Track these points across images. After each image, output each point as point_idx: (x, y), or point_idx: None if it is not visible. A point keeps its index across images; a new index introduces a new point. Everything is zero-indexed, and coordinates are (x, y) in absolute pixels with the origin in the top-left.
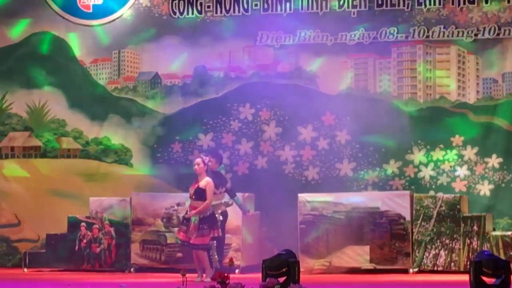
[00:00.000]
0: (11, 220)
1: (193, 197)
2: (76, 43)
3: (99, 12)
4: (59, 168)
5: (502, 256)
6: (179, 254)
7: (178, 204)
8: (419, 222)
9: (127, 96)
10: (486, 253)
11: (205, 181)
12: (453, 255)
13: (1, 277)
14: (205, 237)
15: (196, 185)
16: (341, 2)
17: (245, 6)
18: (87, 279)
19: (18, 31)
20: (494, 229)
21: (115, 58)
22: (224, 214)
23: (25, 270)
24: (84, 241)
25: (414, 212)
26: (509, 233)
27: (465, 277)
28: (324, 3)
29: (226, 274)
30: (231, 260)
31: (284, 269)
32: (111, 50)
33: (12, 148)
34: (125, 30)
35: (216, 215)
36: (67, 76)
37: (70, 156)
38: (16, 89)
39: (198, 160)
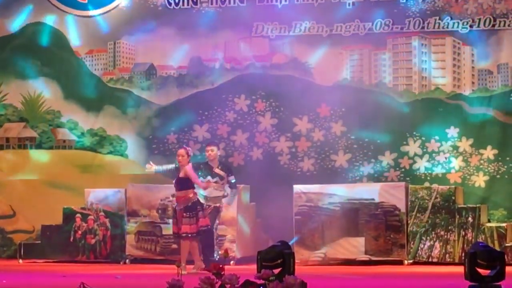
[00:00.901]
0: (6, 211)
1: (177, 188)
2: (71, 34)
3: (94, 2)
4: (54, 159)
5: (497, 248)
6: (174, 246)
7: (173, 195)
8: (414, 213)
9: (123, 87)
10: (481, 244)
11: (183, 170)
12: (448, 246)
13: None
14: (192, 226)
15: (177, 176)
16: None
17: None
18: (82, 270)
19: (13, 21)
20: (489, 221)
21: (110, 49)
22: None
23: (20, 261)
24: (79, 232)
25: (409, 203)
26: (504, 224)
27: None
28: None
29: (221, 266)
30: (226, 251)
31: (279, 261)
32: (107, 41)
33: (7, 139)
34: (121, 21)
35: (212, 206)
36: (62, 67)
37: (65, 147)
38: (11, 80)
39: (182, 151)
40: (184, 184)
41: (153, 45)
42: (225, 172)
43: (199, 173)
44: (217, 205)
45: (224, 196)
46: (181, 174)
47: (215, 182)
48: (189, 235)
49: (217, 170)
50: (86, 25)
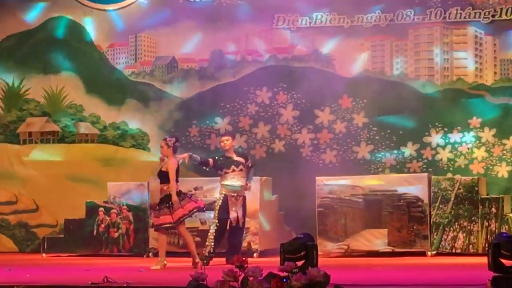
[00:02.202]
0: (29, 205)
1: (160, 180)
2: (92, 28)
3: None
4: (77, 153)
5: None
6: (197, 238)
7: (195, 189)
8: (437, 204)
9: (144, 81)
10: (504, 235)
11: (165, 164)
12: (471, 237)
13: (20, 262)
14: (160, 218)
15: (160, 169)
16: None
17: None
18: (106, 264)
19: (35, 16)
20: None
21: (131, 43)
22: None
23: (44, 255)
24: (102, 226)
25: (432, 194)
26: None
27: (484, 259)
28: None
29: (244, 258)
30: (249, 244)
31: (302, 253)
32: (128, 35)
33: (30, 134)
34: (142, 14)
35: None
36: (84, 61)
37: (87, 141)
38: (33, 75)
39: (162, 143)
40: (165, 177)
41: (174, 38)
42: (243, 158)
43: (222, 166)
44: (243, 195)
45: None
46: (163, 168)
47: (240, 170)
48: (157, 227)
49: (237, 158)
50: (107, 19)
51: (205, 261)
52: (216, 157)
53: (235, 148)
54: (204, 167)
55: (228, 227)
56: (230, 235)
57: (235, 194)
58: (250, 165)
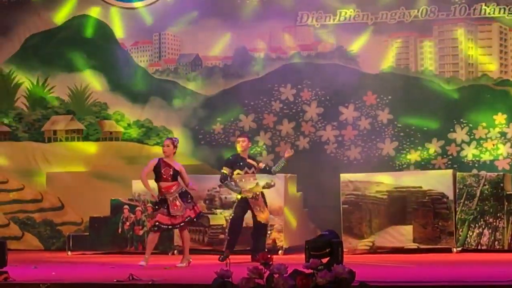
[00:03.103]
0: (54, 203)
1: (170, 178)
2: (117, 26)
3: None
4: (102, 151)
5: None
6: (222, 236)
7: (220, 186)
8: (462, 201)
9: (168, 78)
10: None
11: (173, 163)
12: (497, 233)
13: (45, 260)
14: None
15: (171, 168)
16: None
17: None
18: (131, 262)
19: (59, 14)
20: None
21: (155, 41)
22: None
23: (69, 253)
24: (127, 223)
25: (457, 191)
26: None
27: (509, 256)
28: None
29: (269, 256)
30: (274, 241)
31: (327, 250)
32: (152, 33)
33: (55, 132)
34: (165, 12)
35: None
36: (108, 59)
37: (112, 139)
38: (57, 73)
39: (168, 142)
40: (177, 177)
41: (198, 36)
42: (255, 161)
43: (236, 167)
44: (253, 195)
45: (270, 185)
46: (177, 167)
47: (252, 172)
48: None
49: (250, 161)
50: (131, 17)
51: (220, 257)
52: (230, 157)
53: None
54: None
55: (253, 226)
56: (254, 233)
57: (252, 195)
58: (262, 167)
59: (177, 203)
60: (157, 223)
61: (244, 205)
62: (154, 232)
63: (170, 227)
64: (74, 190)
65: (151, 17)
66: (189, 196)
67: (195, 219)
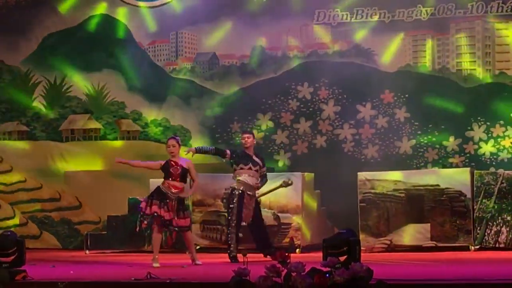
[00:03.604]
0: (72, 202)
1: (178, 178)
2: (134, 25)
3: None
4: (119, 150)
5: None
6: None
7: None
8: (480, 199)
9: (185, 77)
10: None
11: (187, 162)
12: None
13: (63, 259)
14: (185, 219)
15: (180, 166)
16: None
17: None
18: (149, 260)
19: (76, 14)
20: None
21: (172, 40)
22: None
23: (87, 252)
24: (145, 222)
25: (475, 189)
26: None
27: None
28: None
29: (287, 254)
30: (291, 239)
31: (344, 248)
32: (169, 32)
33: (73, 131)
34: (182, 11)
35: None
36: (126, 58)
37: (129, 138)
38: (75, 72)
39: (173, 141)
40: (186, 176)
41: (215, 35)
42: (261, 161)
43: (239, 161)
44: (256, 195)
45: (288, 183)
46: (186, 165)
47: (256, 170)
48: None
49: (256, 158)
50: (148, 16)
51: (235, 256)
52: (238, 150)
53: (255, 146)
54: (220, 157)
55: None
56: (253, 233)
57: (251, 193)
58: (264, 173)
59: (174, 204)
60: (155, 214)
61: (241, 203)
62: (157, 232)
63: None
64: (92, 189)
65: (169, 16)
66: (185, 204)
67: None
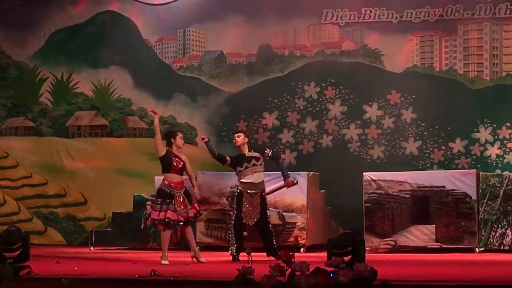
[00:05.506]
0: (77, 199)
1: (178, 172)
2: (141, 22)
3: None
4: (125, 147)
5: None
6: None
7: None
8: (485, 201)
9: (192, 75)
10: None
11: (182, 157)
12: None
13: (68, 255)
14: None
15: (181, 160)
16: None
17: None
18: (153, 258)
19: (84, 10)
20: None
21: (180, 37)
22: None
23: (92, 248)
24: (150, 219)
25: (480, 191)
26: None
27: None
28: None
29: (291, 253)
30: (296, 239)
31: (349, 248)
32: (176, 29)
33: (79, 127)
34: (190, 8)
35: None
36: (133, 55)
37: (135, 135)
38: (82, 69)
39: (181, 134)
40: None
41: (222, 33)
42: (259, 152)
43: (236, 164)
44: (259, 192)
45: (293, 183)
46: (184, 159)
47: (253, 165)
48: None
49: (249, 154)
50: (155, 14)
51: (235, 256)
52: (233, 157)
53: (253, 144)
54: (220, 163)
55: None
56: (259, 233)
57: (252, 191)
58: (270, 155)
59: (181, 200)
60: (167, 219)
61: (240, 203)
62: (166, 230)
63: (178, 223)
64: (97, 185)
65: (176, 14)
66: (188, 195)
67: (192, 219)
